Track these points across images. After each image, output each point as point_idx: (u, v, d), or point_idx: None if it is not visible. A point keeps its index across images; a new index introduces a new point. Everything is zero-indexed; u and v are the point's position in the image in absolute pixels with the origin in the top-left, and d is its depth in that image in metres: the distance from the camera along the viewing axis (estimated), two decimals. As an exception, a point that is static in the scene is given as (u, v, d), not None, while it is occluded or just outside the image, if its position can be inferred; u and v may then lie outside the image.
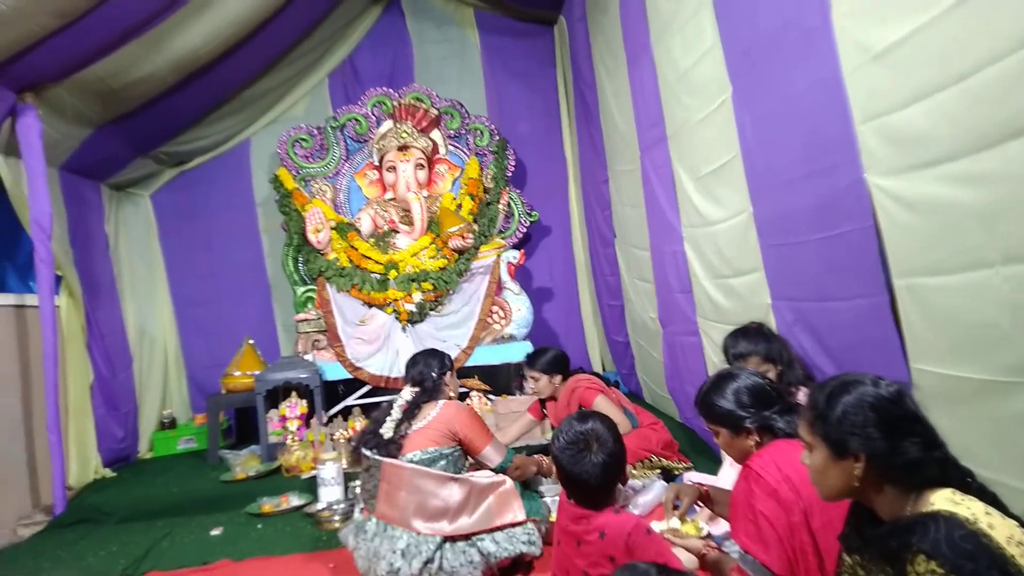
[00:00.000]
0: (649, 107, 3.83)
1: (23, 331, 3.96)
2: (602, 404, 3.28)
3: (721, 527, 2.20)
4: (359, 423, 4.35)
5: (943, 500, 1.22)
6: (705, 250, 3.38)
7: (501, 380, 4.92)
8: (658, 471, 3.21)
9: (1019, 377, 1.62)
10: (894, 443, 1.26)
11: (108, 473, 4.34)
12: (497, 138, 5.50)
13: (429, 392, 2.90)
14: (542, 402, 3.69)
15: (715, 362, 3.40)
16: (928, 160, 1.82)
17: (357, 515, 2.84)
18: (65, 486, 3.84)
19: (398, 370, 4.57)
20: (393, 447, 2.76)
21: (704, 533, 1.85)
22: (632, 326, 4.77)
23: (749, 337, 2.64)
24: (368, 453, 2.80)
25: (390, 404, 2.98)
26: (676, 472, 3.23)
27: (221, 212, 5.51)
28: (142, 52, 4.04)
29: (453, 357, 3.22)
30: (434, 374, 2.93)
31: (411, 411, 2.84)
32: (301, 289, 5.11)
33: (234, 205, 5.55)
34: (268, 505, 3.63)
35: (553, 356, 3.56)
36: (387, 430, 2.83)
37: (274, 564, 2.97)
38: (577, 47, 5.22)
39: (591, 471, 1.88)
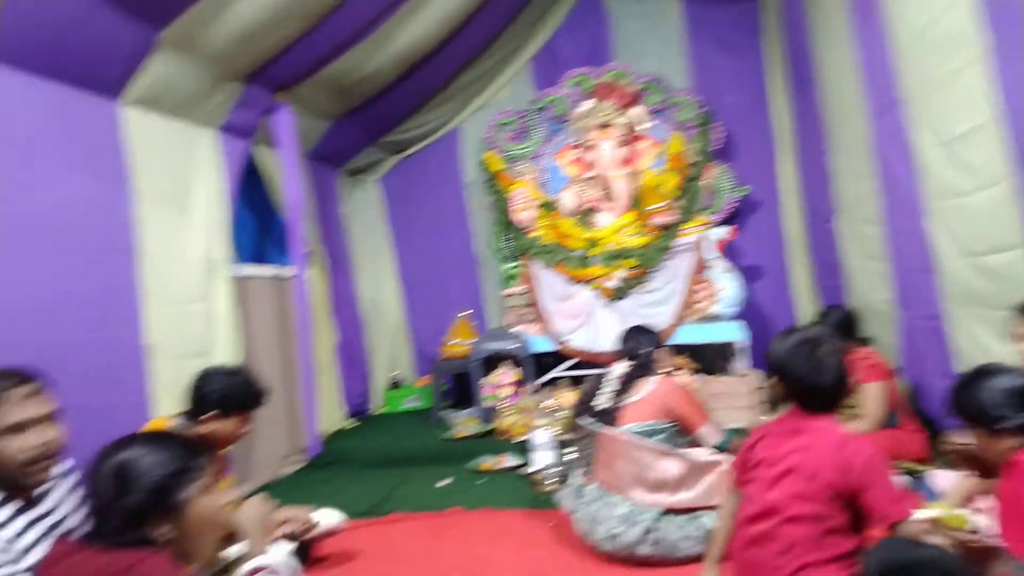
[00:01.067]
0: (878, 70, 3.51)
1: (279, 299, 4.60)
2: (872, 392, 3.10)
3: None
4: (565, 394, 4.51)
5: None
6: (954, 224, 3.06)
7: (707, 360, 4.83)
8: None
9: None
10: None
11: (350, 423, 4.94)
12: (702, 111, 5.35)
13: (643, 366, 2.95)
14: None
15: (963, 350, 3.08)
16: None
17: (575, 480, 2.98)
18: (317, 433, 4.43)
19: (601, 345, 4.67)
20: (608, 418, 2.85)
21: (969, 527, 1.72)
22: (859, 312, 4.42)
23: None
24: (585, 423, 2.93)
25: (599, 377, 3.08)
26: (916, 475, 2.98)
27: (436, 195, 5.95)
28: (371, 48, 4.45)
29: None
30: (647, 349, 2.98)
31: (626, 384, 2.92)
32: (507, 266, 5.39)
33: (447, 188, 5.96)
34: (487, 463, 3.93)
35: (847, 317, 3.41)
36: (603, 401, 2.93)
37: (499, 516, 3.23)
38: (790, 13, 4.90)
39: (830, 363, 1.81)
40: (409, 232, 6.00)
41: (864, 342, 3.41)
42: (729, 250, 5.06)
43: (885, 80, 3.42)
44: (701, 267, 4.91)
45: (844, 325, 3.27)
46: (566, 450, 3.63)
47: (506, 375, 4.69)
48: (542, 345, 4.97)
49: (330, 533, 2.75)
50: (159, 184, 3.34)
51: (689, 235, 4.98)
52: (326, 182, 5.44)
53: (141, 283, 3.16)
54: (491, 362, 4.84)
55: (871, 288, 4.07)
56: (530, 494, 3.49)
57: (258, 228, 4.86)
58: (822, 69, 4.40)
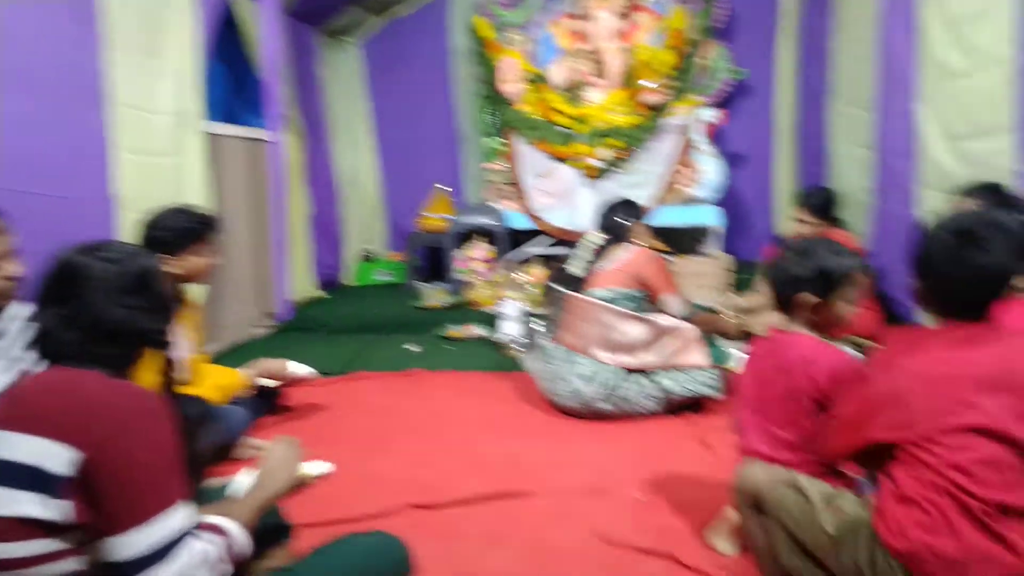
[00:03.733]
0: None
1: (253, 163, 4.46)
2: None
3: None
4: (537, 270, 4.52)
5: None
6: (944, 108, 2.98)
7: (683, 241, 4.83)
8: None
9: None
10: None
11: (321, 293, 4.94)
12: (705, -14, 5.05)
13: (619, 237, 2.94)
14: (778, 242, 3.61)
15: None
16: None
17: (543, 343, 3.03)
18: (287, 299, 4.44)
19: (578, 224, 4.64)
20: (579, 284, 2.87)
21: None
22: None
23: (981, 196, 2.22)
24: (557, 287, 2.95)
25: (576, 244, 3.07)
26: (861, 348, 3.05)
27: (420, 63, 5.67)
28: None
29: None
30: (625, 221, 2.95)
31: (600, 253, 2.92)
32: (491, 140, 5.25)
33: (432, 56, 5.67)
34: (454, 331, 3.98)
35: (831, 197, 3.36)
36: (576, 268, 2.94)
37: (462, 377, 3.32)
38: None
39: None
40: (389, 101, 5.76)
41: (838, 223, 3.40)
42: (717, 135, 4.94)
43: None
44: (687, 150, 4.80)
45: (823, 206, 3.24)
46: (534, 321, 3.69)
47: (480, 249, 4.67)
48: (519, 221, 4.93)
49: (299, 381, 2.79)
50: (130, 28, 3.13)
51: (678, 115, 4.83)
52: (304, 42, 5.15)
53: (109, 131, 3.02)
54: (466, 237, 4.81)
55: (853, 175, 4.02)
56: (495, 358, 3.57)
57: (232, 86, 4.64)
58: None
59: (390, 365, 3.51)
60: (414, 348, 3.83)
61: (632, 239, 2.94)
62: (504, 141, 5.13)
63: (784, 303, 1.63)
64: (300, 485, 1.33)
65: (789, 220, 3.41)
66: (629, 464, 2.30)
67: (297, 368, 2.77)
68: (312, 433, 2.54)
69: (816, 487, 1.45)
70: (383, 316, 4.38)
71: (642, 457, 2.35)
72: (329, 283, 5.23)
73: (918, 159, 3.19)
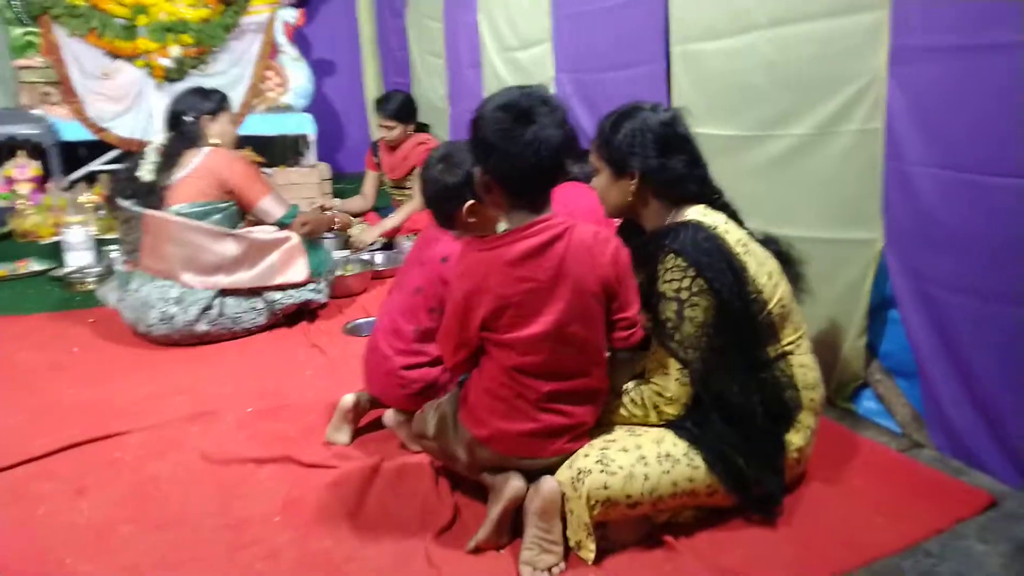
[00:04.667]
0: None
1: None
2: None
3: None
4: (102, 187, 3.88)
5: (695, 213, 1.44)
6: (498, 20, 3.34)
7: (277, 152, 4.64)
8: None
9: (766, 131, 1.92)
10: (664, 160, 1.42)
11: None
12: None
13: (188, 137, 2.57)
14: (374, 148, 3.59)
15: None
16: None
17: (119, 269, 2.63)
18: None
19: (152, 134, 4.07)
20: (154, 198, 2.52)
21: None
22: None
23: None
24: (126, 204, 2.55)
25: (142, 150, 2.67)
26: None
27: None
28: None
29: None
30: (192, 115, 2.58)
31: (170, 157, 2.55)
32: (20, 30, 4.17)
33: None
34: (2, 270, 3.20)
35: (406, 101, 3.43)
36: (146, 173, 2.56)
37: (21, 322, 2.70)
38: None
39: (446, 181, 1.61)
40: None
41: (423, 128, 3.63)
42: (300, 40, 4.76)
43: None
44: (272, 52, 4.54)
45: (400, 111, 3.39)
46: (107, 248, 3.19)
47: (24, 168, 3.79)
48: (74, 132, 4.11)
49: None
50: None
51: (257, 14, 4.49)
52: None
53: None
54: (5, 153, 3.84)
55: (431, 86, 4.31)
56: (63, 296, 3.00)
57: None
58: None
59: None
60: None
61: (204, 138, 2.58)
62: (39, 31, 4.13)
63: (448, 215, 1.61)
64: None
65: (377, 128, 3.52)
66: (237, 382, 2.19)
67: None
68: None
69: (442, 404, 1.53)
70: None
71: (252, 372, 2.26)
72: None
73: (482, 68, 3.56)
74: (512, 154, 1.27)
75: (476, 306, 1.33)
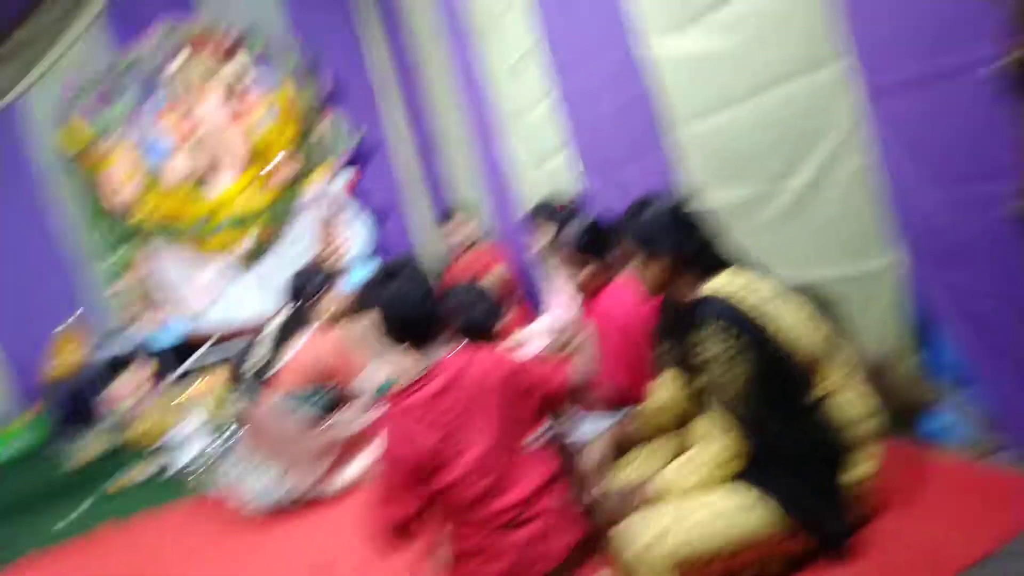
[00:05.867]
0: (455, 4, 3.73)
1: None
2: None
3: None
4: (208, 378, 4.13)
5: (724, 277, 1.53)
6: (522, 139, 3.44)
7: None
8: None
9: (772, 184, 1.99)
10: (683, 238, 1.56)
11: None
12: (308, 56, 5.11)
13: (299, 315, 2.64)
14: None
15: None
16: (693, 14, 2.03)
17: (229, 456, 2.71)
18: None
19: (243, 315, 4.35)
20: (260, 385, 2.61)
21: None
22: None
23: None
24: (234, 395, 2.69)
25: (253, 339, 2.77)
26: None
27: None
28: None
29: None
30: (313, 292, 2.62)
31: (282, 338, 2.62)
32: (112, 257, 4.68)
33: (12, 177, 4.85)
34: (121, 480, 3.42)
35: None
36: (255, 363, 2.67)
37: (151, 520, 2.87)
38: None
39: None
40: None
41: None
42: (356, 193, 5.05)
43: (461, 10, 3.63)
44: (332, 218, 4.84)
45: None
46: (218, 435, 3.33)
47: (130, 381, 4.12)
48: (173, 335, 4.46)
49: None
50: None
51: (315, 185, 4.84)
52: None
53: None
54: (115, 368, 4.20)
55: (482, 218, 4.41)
56: (183, 489, 3.13)
57: None
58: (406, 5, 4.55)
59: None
60: (73, 516, 3.15)
61: (315, 316, 2.61)
62: (129, 255, 4.63)
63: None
64: None
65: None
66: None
67: None
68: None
69: None
70: (22, 494, 3.60)
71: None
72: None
73: (518, 182, 3.63)
74: (381, 304, 1.57)
75: (407, 458, 1.49)
